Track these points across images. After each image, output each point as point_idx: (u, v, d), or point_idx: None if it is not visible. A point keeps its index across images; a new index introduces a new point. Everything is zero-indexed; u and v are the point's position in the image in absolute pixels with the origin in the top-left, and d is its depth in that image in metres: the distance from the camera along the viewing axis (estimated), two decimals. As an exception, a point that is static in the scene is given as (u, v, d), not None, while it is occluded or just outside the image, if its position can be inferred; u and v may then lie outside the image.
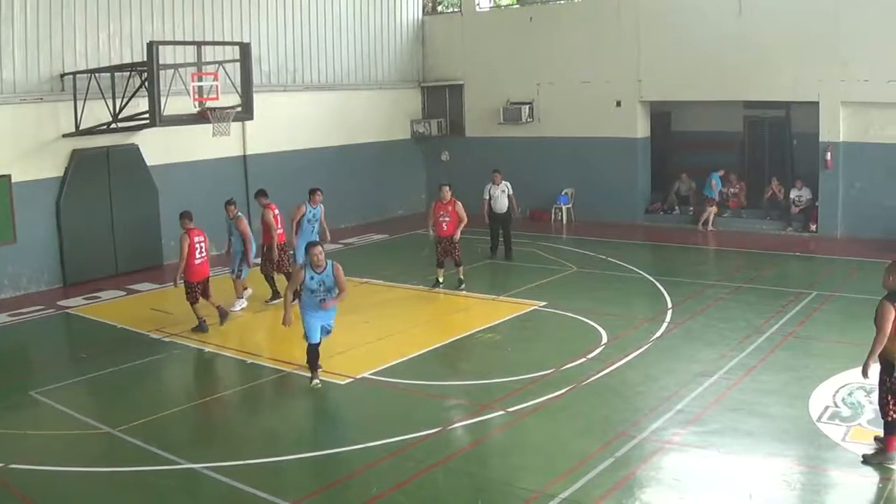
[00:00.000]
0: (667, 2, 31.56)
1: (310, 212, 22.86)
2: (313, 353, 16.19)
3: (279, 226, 22.84)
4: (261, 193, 23.25)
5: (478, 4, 36.42)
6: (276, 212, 22.83)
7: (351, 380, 16.57)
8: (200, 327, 20.00)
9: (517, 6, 36.45)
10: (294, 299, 16.49)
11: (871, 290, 21.51)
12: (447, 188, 23.87)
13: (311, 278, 15.83)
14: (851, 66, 27.78)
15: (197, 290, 20.09)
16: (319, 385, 16.10)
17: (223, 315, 20.55)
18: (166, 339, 19.54)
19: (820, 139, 29.02)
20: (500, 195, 26.53)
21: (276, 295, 22.56)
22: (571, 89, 33.66)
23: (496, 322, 20.28)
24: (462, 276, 23.55)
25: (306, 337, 16.18)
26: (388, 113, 36.14)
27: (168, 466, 12.98)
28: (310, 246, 16.03)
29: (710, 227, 30.71)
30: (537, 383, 15.92)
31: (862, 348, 16.95)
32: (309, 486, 12.32)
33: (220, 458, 13.21)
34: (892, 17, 27.00)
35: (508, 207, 26.72)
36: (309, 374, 16.31)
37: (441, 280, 23.72)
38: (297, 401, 16.19)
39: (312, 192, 23.18)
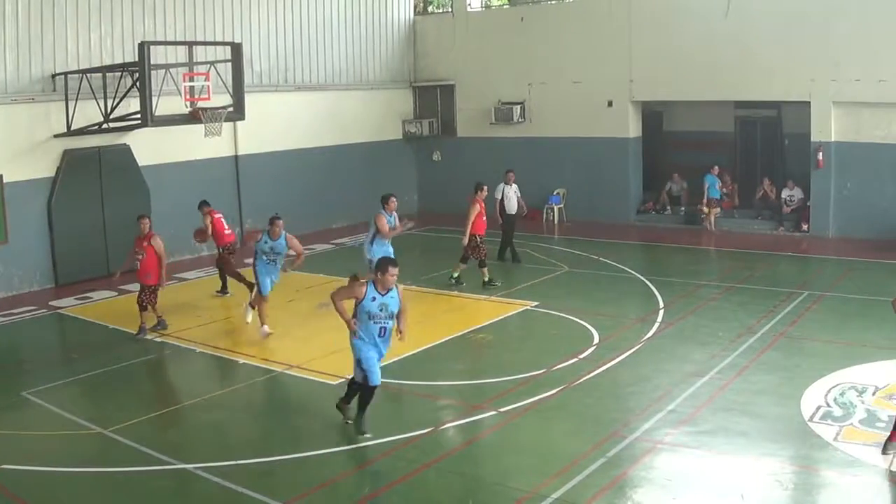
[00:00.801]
0: (658, 2, 31.59)
1: (389, 220, 22.02)
2: (369, 394, 13.89)
3: (227, 228, 23.56)
4: (204, 204, 23.53)
5: (469, 5, 36.39)
6: (217, 216, 23.34)
7: (343, 380, 16.48)
8: (161, 325, 20.06)
9: (508, 6, 36.42)
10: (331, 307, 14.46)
11: (862, 290, 21.79)
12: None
13: (373, 299, 13.55)
14: (843, 66, 27.83)
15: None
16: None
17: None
18: (158, 340, 19.52)
19: (811, 139, 29.06)
20: (513, 195, 26.21)
21: (224, 289, 23.72)
22: (563, 89, 33.67)
23: (488, 322, 20.29)
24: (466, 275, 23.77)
25: (366, 377, 13.77)
26: (380, 113, 36.10)
27: (160, 467, 12.97)
28: (387, 263, 13.77)
29: (713, 228, 30.59)
30: (529, 383, 15.93)
31: (854, 348, 17.15)
32: (301, 486, 12.27)
33: (212, 459, 13.20)
34: (883, 17, 27.05)
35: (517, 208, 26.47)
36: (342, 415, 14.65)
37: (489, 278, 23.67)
38: (288, 401, 16.21)
39: (386, 198, 22.70)
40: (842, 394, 14.88)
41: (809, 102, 28.88)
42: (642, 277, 24.04)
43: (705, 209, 30.83)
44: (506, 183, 26.15)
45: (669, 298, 21.74)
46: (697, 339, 18.49)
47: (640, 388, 15.70)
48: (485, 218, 23.56)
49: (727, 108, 32.63)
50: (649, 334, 18.93)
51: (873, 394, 14.83)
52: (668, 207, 33.05)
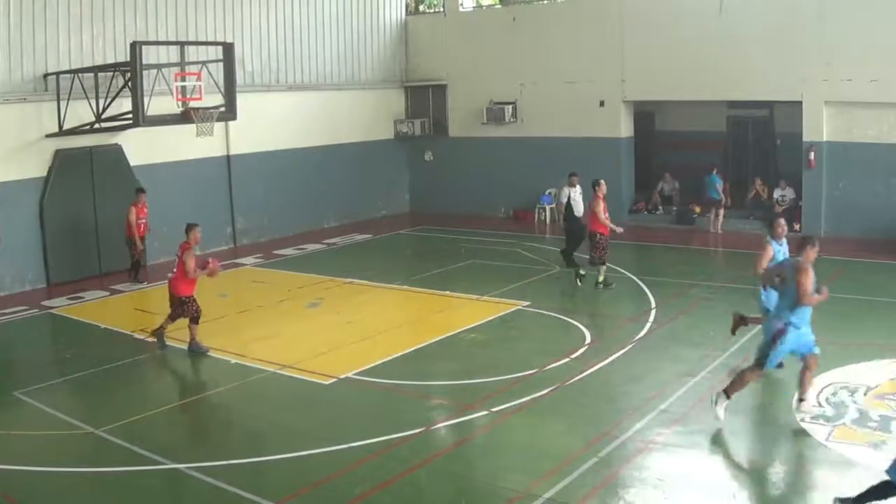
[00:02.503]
0: (650, 2, 31.62)
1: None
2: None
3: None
4: (139, 190, 25.12)
5: (461, 4, 36.43)
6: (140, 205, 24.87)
7: (335, 380, 16.56)
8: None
9: (500, 6, 36.42)
10: None
11: (855, 290, 21.83)
12: None
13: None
14: (835, 66, 27.87)
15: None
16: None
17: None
18: (150, 340, 19.48)
19: (803, 139, 29.09)
20: (580, 199, 24.85)
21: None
22: (555, 89, 33.71)
23: (480, 322, 20.28)
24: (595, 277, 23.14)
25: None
26: (372, 113, 36.10)
27: (152, 467, 12.96)
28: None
29: (718, 230, 30.48)
30: (521, 383, 15.93)
31: (845, 348, 17.18)
32: (293, 486, 12.26)
33: (205, 459, 13.20)
34: (876, 16, 27.10)
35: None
36: None
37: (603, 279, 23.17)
38: (282, 401, 16.17)
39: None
40: (834, 394, 14.89)
41: (801, 102, 28.91)
42: (634, 277, 24.05)
43: (697, 209, 30.82)
44: (570, 186, 24.96)
45: (661, 298, 21.75)
46: (689, 339, 18.53)
47: (631, 388, 15.72)
48: (607, 215, 22.81)
49: (719, 108, 32.70)
50: (641, 334, 18.95)
51: (865, 393, 14.86)
52: (660, 207, 33.07)
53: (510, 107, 34.67)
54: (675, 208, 32.68)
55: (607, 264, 23.21)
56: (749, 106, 31.80)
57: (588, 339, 18.58)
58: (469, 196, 35.60)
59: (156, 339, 18.80)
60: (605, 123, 32.91)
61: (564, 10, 33.94)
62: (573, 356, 17.50)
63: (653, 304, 21.34)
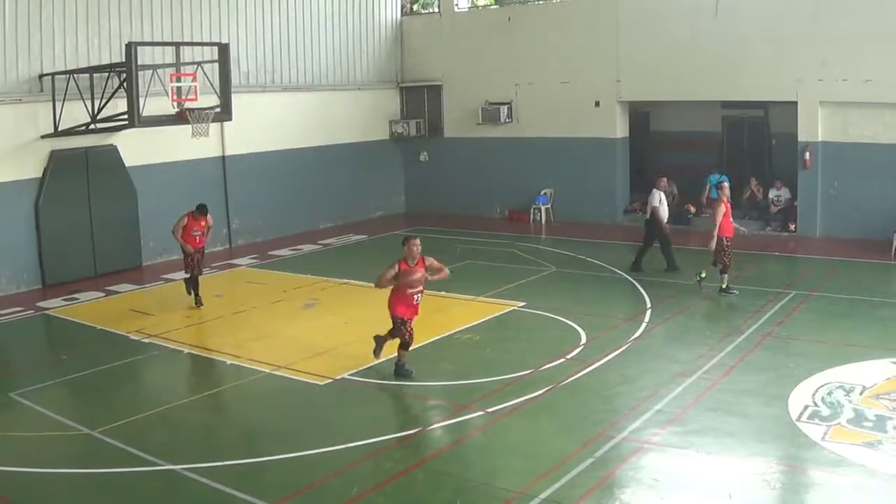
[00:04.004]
0: (645, 2, 31.61)
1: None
2: None
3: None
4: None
5: (456, 5, 36.39)
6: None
7: (330, 380, 16.56)
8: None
9: (495, 6, 36.39)
10: None
11: (849, 290, 21.88)
12: None
13: None
14: (830, 66, 27.88)
15: None
16: None
17: None
18: (146, 341, 19.48)
19: (798, 139, 29.10)
20: (665, 201, 25.01)
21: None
22: (550, 89, 33.70)
23: (475, 322, 20.28)
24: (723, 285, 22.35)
25: None
26: (367, 113, 36.07)
27: (148, 468, 12.95)
28: None
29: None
30: (516, 383, 15.93)
31: (841, 347, 17.23)
32: (289, 486, 12.26)
33: (200, 460, 13.19)
34: (870, 16, 27.11)
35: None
36: None
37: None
38: (276, 402, 16.16)
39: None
40: (829, 393, 14.91)
41: (796, 102, 28.92)
42: (629, 278, 24.06)
43: (692, 209, 30.80)
44: (659, 189, 24.92)
45: (656, 299, 21.77)
46: (684, 340, 18.58)
47: (627, 389, 15.71)
48: (731, 219, 22.45)
49: (714, 109, 32.68)
50: (636, 334, 18.96)
51: (861, 393, 14.87)
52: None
53: (506, 107, 34.64)
54: (668, 208, 32.60)
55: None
56: (744, 106, 31.77)
57: (583, 340, 18.57)
58: (464, 197, 35.60)
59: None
60: (600, 124, 32.91)
61: (560, 10, 33.94)
62: (569, 356, 17.50)
63: (648, 305, 21.36)
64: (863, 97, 27.47)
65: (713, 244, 21.90)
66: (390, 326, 16.62)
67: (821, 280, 23.53)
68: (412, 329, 16.52)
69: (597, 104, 32.87)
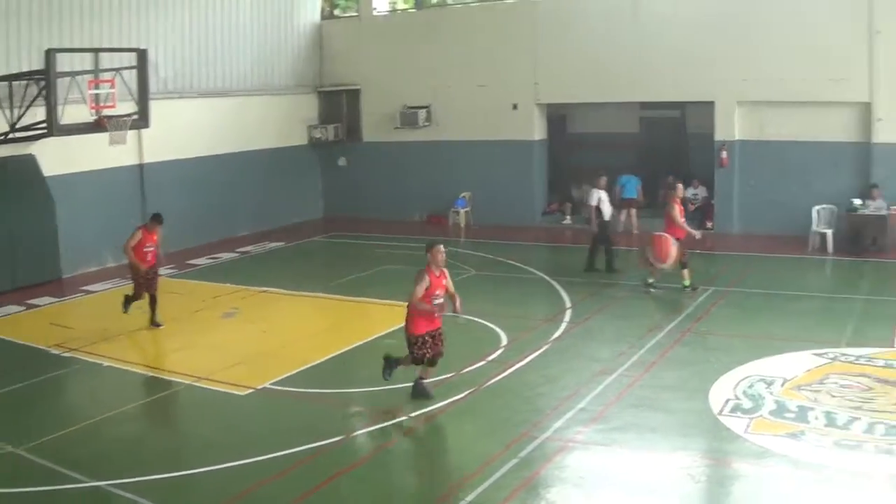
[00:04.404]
0: (564, 5, 31.70)
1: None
2: None
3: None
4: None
5: (375, 9, 36.19)
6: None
7: (252, 390, 16.30)
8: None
9: (414, 10, 36.28)
10: None
11: (767, 285, 22.11)
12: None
13: None
14: (746, 66, 28.19)
15: None
16: None
17: None
18: (66, 355, 19.05)
19: (715, 138, 29.36)
20: (607, 200, 24.84)
21: None
22: (468, 93, 33.59)
23: (396, 327, 20.02)
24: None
25: None
26: (285, 118, 35.68)
27: (74, 485, 12.60)
28: None
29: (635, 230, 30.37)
30: (438, 387, 15.76)
31: (760, 341, 17.36)
32: (215, 499, 12.03)
33: (126, 475, 12.83)
34: (786, 17, 27.50)
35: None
36: None
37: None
38: (199, 413, 15.91)
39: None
40: (750, 386, 15.02)
41: (713, 102, 29.18)
42: (549, 278, 24.05)
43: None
44: (598, 188, 24.77)
45: (576, 298, 21.78)
46: (605, 338, 18.62)
47: (549, 389, 15.66)
48: (683, 219, 22.41)
49: (632, 110, 32.90)
50: (557, 334, 18.94)
51: (782, 385, 15.01)
52: (573, 207, 33.06)
53: (424, 111, 34.51)
54: (586, 211, 32.70)
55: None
56: (661, 107, 32.01)
57: (504, 341, 18.51)
58: (383, 201, 35.38)
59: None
60: (518, 126, 32.91)
61: (478, 13, 33.93)
62: (489, 358, 17.43)
63: (567, 304, 21.36)
64: (779, 96, 27.80)
65: (696, 234, 22.40)
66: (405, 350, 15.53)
67: (739, 276, 23.72)
68: (441, 339, 15.35)
69: (514, 107, 32.86)
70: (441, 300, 15.15)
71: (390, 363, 15.67)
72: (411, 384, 15.56)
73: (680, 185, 23.15)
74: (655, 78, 29.61)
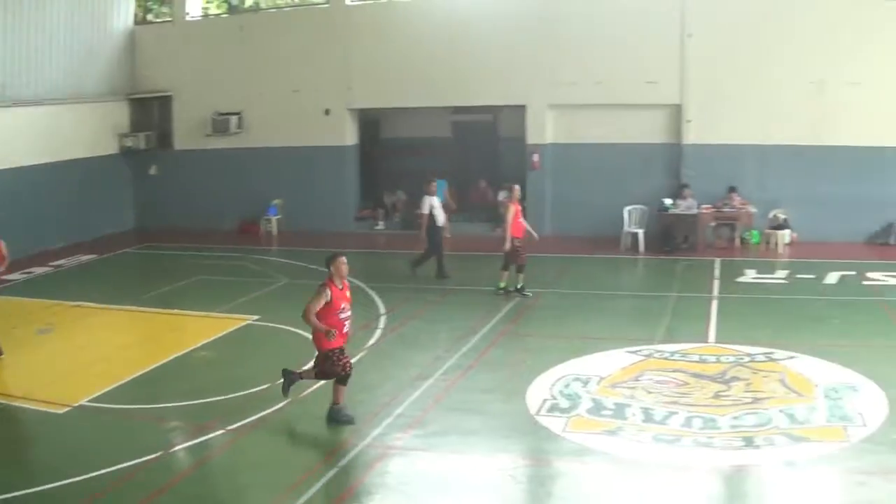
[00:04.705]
0: (377, 10, 31.75)
1: None
2: None
3: None
4: None
5: (188, 13, 35.52)
6: None
7: (69, 408, 15.78)
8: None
9: (227, 15, 35.77)
10: None
11: (581, 285, 22.58)
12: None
13: None
14: (558, 71, 28.75)
15: None
16: None
17: None
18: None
19: (527, 141, 29.71)
20: (439, 206, 24.75)
21: None
22: (281, 98, 33.27)
23: (211, 339, 19.76)
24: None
25: None
26: (97, 127, 34.51)
27: None
28: None
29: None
30: (256, 399, 15.53)
31: (575, 341, 17.60)
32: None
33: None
34: (598, 21, 28.22)
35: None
36: None
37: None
38: (11, 434, 15.33)
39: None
40: (567, 386, 15.20)
41: (525, 106, 29.51)
42: (363, 285, 23.87)
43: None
44: (430, 194, 24.68)
45: (390, 304, 21.76)
46: (420, 343, 18.65)
47: (367, 396, 15.52)
48: (522, 219, 22.39)
49: (444, 114, 33.06)
50: (372, 341, 18.89)
51: (598, 383, 15.26)
52: (386, 213, 33.10)
53: (236, 117, 34.05)
54: (398, 214, 32.84)
55: None
56: (473, 111, 32.31)
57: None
58: (196, 210, 34.70)
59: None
60: (330, 132, 32.75)
61: (291, 18, 33.74)
62: (304, 368, 17.24)
63: (382, 311, 21.34)
64: (590, 99, 28.39)
65: (507, 246, 22.05)
66: (312, 364, 15.00)
67: (553, 277, 24.04)
68: (347, 358, 14.81)
69: (327, 112, 32.69)
70: (348, 313, 14.61)
71: (289, 377, 15.07)
72: (228, 396, 15.36)
73: (517, 188, 23.05)
74: (468, 82, 29.91)
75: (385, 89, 31.60)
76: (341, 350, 14.37)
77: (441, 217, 24.66)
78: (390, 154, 34.66)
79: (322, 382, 15.35)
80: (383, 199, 33.38)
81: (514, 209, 22.17)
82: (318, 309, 14.10)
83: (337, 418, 14.36)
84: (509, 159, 32.01)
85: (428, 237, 24.69)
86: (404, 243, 28.22)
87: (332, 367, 14.32)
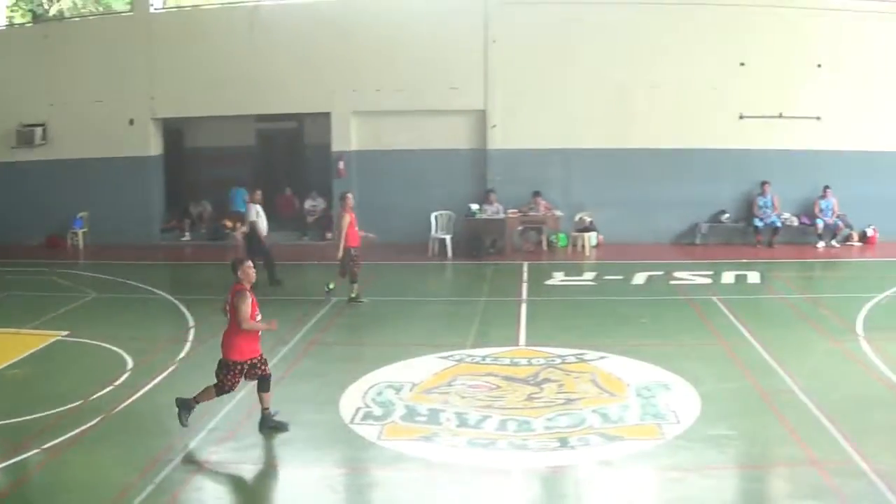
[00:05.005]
0: (180, 18, 31.49)
1: None
2: None
3: None
4: None
5: (-8, 23, 34.52)
6: None
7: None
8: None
9: (31, 24, 34.82)
10: None
11: (392, 291, 22.77)
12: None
13: None
14: (361, 77, 28.91)
15: None
16: None
17: None
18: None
19: (332, 149, 29.75)
20: (263, 215, 24.37)
21: None
22: (85, 109, 32.44)
23: (18, 357, 19.24)
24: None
25: None
26: None
27: None
28: None
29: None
30: (69, 416, 15.19)
31: (386, 348, 17.75)
32: None
33: None
34: (403, 27, 28.77)
35: None
36: None
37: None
38: None
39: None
40: (379, 393, 15.30)
41: (330, 113, 29.58)
42: (171, 297, 23.66)
43: (229, 223, 30.80)
44: (254, 202, 24.32)
45: (199, 316, 21.42)
46: (230, 355, 18.47)
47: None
48: (357, 228, 22.09)
49: (248, 122, 32.91)
50: (182, 354, 18.67)
51: (411, 390, 15.40)
52: (192, 224, 32.78)
53: (40, 129, 33.14)
54: (205, 224, 32.58)
55: None
56: (278, 119, 32.25)
57: (130, 365, 17.96)
58: (1, 224, 33.75)
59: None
60: (134, 142, 32.19)
61: (94, 28, 33.17)
62: (117, 383, 16.91)
63: (191, 323, 21.09)
64: (395, 106, 28.62)
65: (340, 254, 21.99)
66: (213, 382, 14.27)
67: (362, 284, 24.10)
68: (266, 361, 14.34)
69: (131, 122, 32.14)
70: (260, 316, 14.31)
71: (186, 405, 14.24)
72: (42, 414, 15.05)
73: (349, 196, 22.98)
74: (271, 90, 29.85)
75: (189, 98, 31.29)
76: (251, 363, 14.07)
77: (264, 225, 24.44)
78: (195, 164, 34.30)
79: (137, 396, 15.22)
80: (189, 210, 33.03)
81: (348, 218, 22.16)
82: (250, 312, 13.88)
83: (271, 423, 14.15)
84: (315, 167, 32.09)
85: (254, 244, 24.35)
86: (211, 254, 28.01)
87: (230, 379, 14.00)
